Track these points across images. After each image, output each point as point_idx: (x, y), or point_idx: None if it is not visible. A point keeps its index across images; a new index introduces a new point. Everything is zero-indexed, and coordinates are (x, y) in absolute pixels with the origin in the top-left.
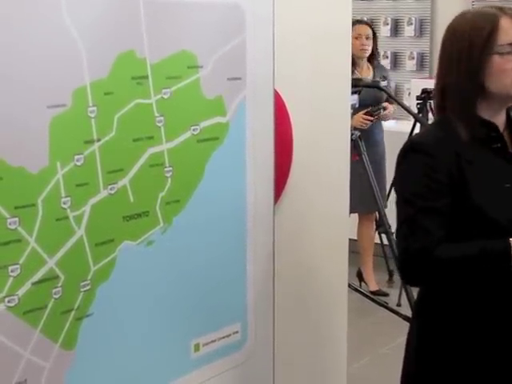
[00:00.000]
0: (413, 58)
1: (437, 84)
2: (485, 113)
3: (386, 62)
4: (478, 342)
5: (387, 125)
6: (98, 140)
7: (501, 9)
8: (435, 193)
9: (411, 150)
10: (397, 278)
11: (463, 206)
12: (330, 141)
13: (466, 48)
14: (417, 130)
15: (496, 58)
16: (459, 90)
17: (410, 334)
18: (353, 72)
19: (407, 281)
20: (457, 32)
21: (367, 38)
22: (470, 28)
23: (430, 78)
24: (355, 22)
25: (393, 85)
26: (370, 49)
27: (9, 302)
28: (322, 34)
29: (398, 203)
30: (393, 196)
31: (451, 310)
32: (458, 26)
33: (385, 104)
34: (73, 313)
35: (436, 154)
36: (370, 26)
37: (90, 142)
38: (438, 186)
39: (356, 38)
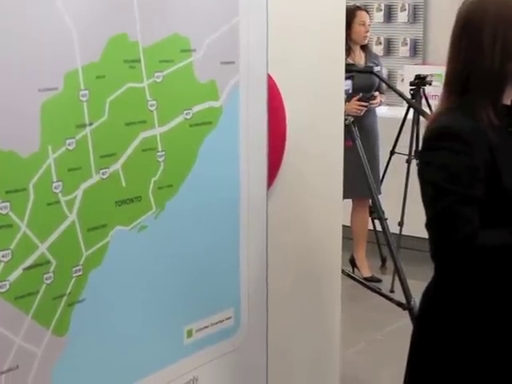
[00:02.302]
0: (406, 44)
1: (457, 67)
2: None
3: (379, 48)
4: (491, 341)
5: (380, 111)
6: (90, 124)
7: None
8: (472, 180)
9: (444, 137)
10: (389, 264)
11: (495, 192)
12: (323, 126)
13: (500, 33)
14: (410, 115)
15: None
16: (492, 75)
17: (417, 334)
18: (346, 58)
19: (448, 271)
20: (486, 16)
21: (369, 25)
22: (502, 13)
23: (424, 63)
24: (356, 9)
25: (385, 71)
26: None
27: (0, 287)
28: (316, 18)
29: (430, 191)
30: (386, 182)
31: (462, 311)
32: (488, 10)
33: (375, 93)
34: (64, 298)
35: (471, 141)
36: (368, 13)
37: (82, 125)
38: (474, 174)
39: (360, 25)
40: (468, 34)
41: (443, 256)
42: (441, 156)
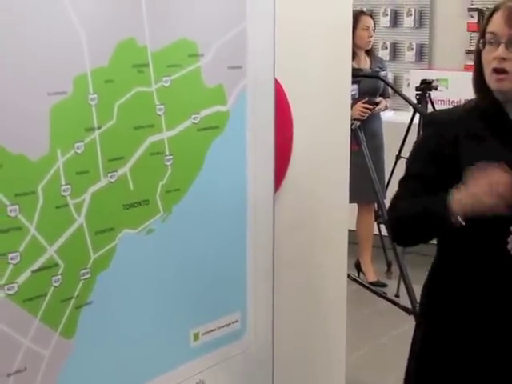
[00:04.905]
0: (412, 49)
1: None
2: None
3: (385, 53)
4: (484, 342)
5: (386, 116)
6: (99, 128)
7: (504, 3)
8: (426, 161)
9: (423, 123)
10: (395, 268)
11: (455, 176)
12: (330, 130)
13: (478, 38)
14: (416, 120)
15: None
16: (474, 78)
17: (414, 335)
18: (351, 62)
19: (391, 239)
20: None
21: (373, 30)
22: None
23: (429, 68)
24: (359, 14)
25: (391, 75)
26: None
27: (8, 289)
28: (322, 23)
29: None
30: (392, 187)
31: (456, 311)
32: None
33: (379, 99)
34: (72, 301)
35: (440, 125)
36: (372, 17)
37: (91, 129)
38: (430, 156)
39: (364, 30)
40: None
41: (387, 223)
42: (416, 141)
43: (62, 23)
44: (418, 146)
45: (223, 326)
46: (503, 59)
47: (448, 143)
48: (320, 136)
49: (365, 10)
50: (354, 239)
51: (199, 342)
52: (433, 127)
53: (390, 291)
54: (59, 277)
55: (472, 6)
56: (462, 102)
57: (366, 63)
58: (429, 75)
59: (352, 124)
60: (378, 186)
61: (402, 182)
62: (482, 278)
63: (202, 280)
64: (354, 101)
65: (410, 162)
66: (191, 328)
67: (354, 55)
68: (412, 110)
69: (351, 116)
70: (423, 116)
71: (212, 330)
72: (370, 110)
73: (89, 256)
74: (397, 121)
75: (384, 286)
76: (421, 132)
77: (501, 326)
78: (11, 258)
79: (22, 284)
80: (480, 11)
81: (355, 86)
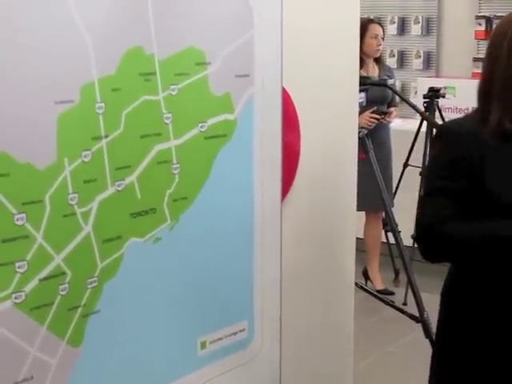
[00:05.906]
0: (419, 57)
1: (482, 77)
2: None
3: (392, 61)
4: (504, 339)
5: (393, 124)
6: (106, 136)
7: None
8: (452, 174)
9: (438, 135)
10: (403, 276)
11: (478, 190)
12: (338, 138)
13: (502, 43)
14: (423, 128)
15: None
16: (504, 82)
17: (436, 336)
18: (359, 70)
19: (422, 255)
20: (498, 29)
21: (382, 38)
22: (509, 25)
23: (437, 76)
24: (368, 22)
25: (399, 83)
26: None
27: (16, 298)
28: (330, 31)
29: (423, 184)
30: (399, 195)
31: (477, 312)
32: (500, 25)
33: (391, 109)
34: (79, 309)
35: (457, 139)
36: (381, 26)
37: (98, 138)
38: (455, 168)
39: (372, 38)
40: (492, 44)
41: (417, 240)
42: (433, 153)
43: (69, 32)
44: (436, 159)
45: (230, 335)
46: None
47: (466, 155)
48: (327, 144)
49: (372, 17)
50: (361, 247)
51: (206, 351)
52: (449, 138)
53: (398, 299)
54: (66, 285)
55: (480, 14)
56: (470, 109)
57: (374, 71)
58: (436, 83)
59: (359, 132)
60: (385, 194)
61: (428, 197)
62: (502, 291)
63: (209, 288)
64: (362, 109)
65: (432, 175)
66: (198, 336)
67: (363, 63)
68: (420, 118)
69: (359, 124)
70: (436, 127)
71: (219, 339)
72: (377, 119)
73: (96, 264)
74: (404, 129)
75: (391, 294)
76: (429, 141)
77: None
78: (18, 267)
79: (29, 292)
80: (488, 19)
81: (363, 94)
